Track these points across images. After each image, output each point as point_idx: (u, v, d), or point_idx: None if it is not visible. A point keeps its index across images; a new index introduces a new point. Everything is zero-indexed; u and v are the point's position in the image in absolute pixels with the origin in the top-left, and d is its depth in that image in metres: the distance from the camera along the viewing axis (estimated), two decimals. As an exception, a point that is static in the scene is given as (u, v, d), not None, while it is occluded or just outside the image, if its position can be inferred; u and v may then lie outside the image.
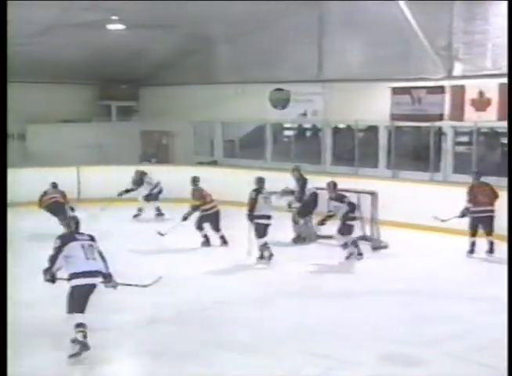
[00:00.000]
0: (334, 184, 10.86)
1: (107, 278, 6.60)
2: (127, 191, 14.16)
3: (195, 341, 7.07)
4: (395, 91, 13.84)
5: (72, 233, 6.78)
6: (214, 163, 17.50)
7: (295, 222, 12.05)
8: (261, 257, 10.50)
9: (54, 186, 13.31)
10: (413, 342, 6.98)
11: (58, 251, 6.48)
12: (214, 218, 11.55)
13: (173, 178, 14.48)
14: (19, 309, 7.18)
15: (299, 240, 11.89)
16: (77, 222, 6.97)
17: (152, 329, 7.50)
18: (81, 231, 6.92)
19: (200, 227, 11.55)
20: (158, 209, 14.32)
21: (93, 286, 6.50)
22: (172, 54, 17.07)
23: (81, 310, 6.39)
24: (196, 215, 11.65)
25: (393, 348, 6.86)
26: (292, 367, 6.43)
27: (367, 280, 9.52)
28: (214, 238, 11.62)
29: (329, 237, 11.15)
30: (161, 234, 11.55)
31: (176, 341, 7.08)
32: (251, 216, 10.35)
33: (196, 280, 9.48)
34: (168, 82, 17.73)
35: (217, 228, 11.55)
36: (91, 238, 6.79)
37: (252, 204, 10.34)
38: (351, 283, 9.44)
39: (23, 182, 13.94)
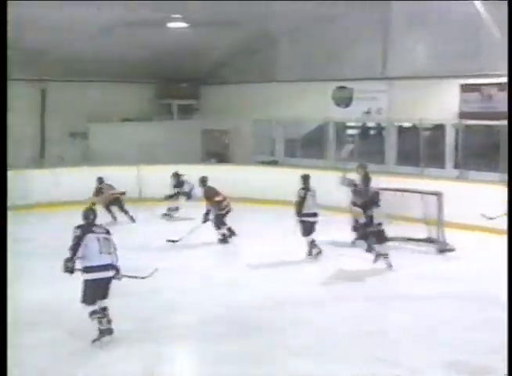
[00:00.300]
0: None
1: (117, 271, 6.75)
2: (170, 197, 14.04)
3: (257, 344, 6.90)
4: (464, 88, 13.39)
5: (90, 224, 6.83)
6: (274, 162, 17.26)
7: (355, 224, 11.67)
8: (310, 254, 10.49)
9: (101, 181, 13.58)
10: (480, 350, 6.65)
11: (78, 240, 6.59)
12: (220, 217, 11.63)
13: (232, 177, 14.32)
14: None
15: (358, 242, 11.50)
16: (95, 215, 6.98)
17: (211, 330, 7.34)
18: (98, 223, 6.97)
19: (218, 226, 11.59)
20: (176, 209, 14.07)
21: (108, 279, 6.68)
22: (233, 52, 16.96)
23: (93, 302, 6.62)
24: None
25: (459, 356, 6.55)
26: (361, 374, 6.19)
27: (432, 283, 9.13)
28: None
29: (393, 239, 10.75)
30: (173, 241, 11.38)
31: (235, 343, 6.92)
32: (299, 214, 10.40)
33: (251, 280, 9.35)
34: (229, 80, 17.61)
35: (218, 226, 11.61)
36: (107, 231, 6.89)
37: (301, 202, 10.39)
38: (415, 286, 9.05)
39: (85, 180, 14.01)
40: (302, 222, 10.43)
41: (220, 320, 7.61)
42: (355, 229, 11.58)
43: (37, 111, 17.02)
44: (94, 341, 6.65)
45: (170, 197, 14.06)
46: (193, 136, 18.21)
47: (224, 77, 17.81)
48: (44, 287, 8.68)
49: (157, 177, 15.03)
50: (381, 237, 9.92)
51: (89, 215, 6.91)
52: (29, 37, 13.86)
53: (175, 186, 14.05)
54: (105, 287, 6.69)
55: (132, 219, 13.58)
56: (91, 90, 16.85)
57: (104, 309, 6.69)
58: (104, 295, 6.69)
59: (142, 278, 7.17)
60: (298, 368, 6.30)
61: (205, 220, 11.56)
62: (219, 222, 11.58)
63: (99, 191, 13.63)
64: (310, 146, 17.39)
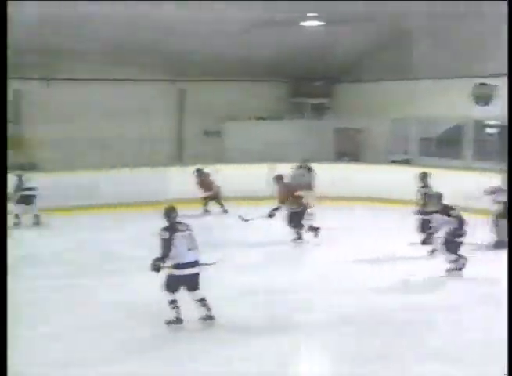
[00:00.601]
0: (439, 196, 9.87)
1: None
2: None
3: (387, 345, 6.77)
4: None
5: (174, 224, 7.03)
6: (406, 162, 16.83)
7: (496, 225, 11.18)
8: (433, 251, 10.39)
9: (201, 173, 14.15)
10: None
11: (169, 241, 6.85)
12: (302, 215, 11.48)
13: (364, 177, 14.11)
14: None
15: (500, 244, 10.97)
16: (176, 213, 7.13)
17: (337, 330, 7.28)
18: (180, 221, 7.14)
19: (295, 224, 11.46)
20: None
21: (196, 274, 7.03)
22: (367, 50, 16.68)
23: (174, 291, 7.02)
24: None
25: None
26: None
27: None
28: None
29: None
30: (245, 220, 11.44)
31: (364, 344, 6.81)
32: (420, 212, 10.84)
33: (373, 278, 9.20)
34: (363, 79, 17.35)
35: (297, 225, 11.44)
36: (188, 227, 7.08)
37: (423, 201, 10.76)
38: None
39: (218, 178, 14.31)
40: (423, 220, 10.78)
41: (348, 319, 7.54)
42: (497, 232, 11.10)
43: (176, 111, 17.61)
44: (168, 323, 7.07)
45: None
46: (325, 135, 18.11)
47: (358, 75, 17.56)
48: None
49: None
50: None
51: (171, 213, 7.10)
52: (170, 39, 14.35)
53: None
54: (194, 281, 7.03)
55: (225, 211, 14.00)
56: (227, 89, 17.20)
57: (202, 300, 7.08)
58: (194, 287, 7.04)
59: (211, 264, 7.30)
60: (435, 370, 6.14)
61: (271, 215, 11.46)
62: (295, 220, 11.44)
63: (204, 183, 14.07)
64: (446, 145, 16.81)
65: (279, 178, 11.94)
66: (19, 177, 12.92)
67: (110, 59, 15.33)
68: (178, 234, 6.92)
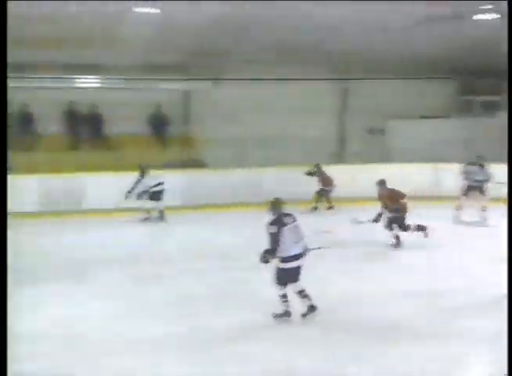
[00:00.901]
0: None
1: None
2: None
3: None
4: None
5: (280, 217, 7.15)
6: None
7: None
8: None
9: (319, 168, 14.71)
10: None
11: (277, 235, 7.01)
12: (403, 220, 11.02)
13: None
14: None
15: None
16: (281, 207, 7.24)
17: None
18: (288, 213, 7.25)
19: (401, 228, 11.03)
20: None
21: (299, 266, 7.20)
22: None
23: (285, 285, 7.22)
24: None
25: None
26: None
27: None
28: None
29: None
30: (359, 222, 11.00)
31: None
32: None
33: None
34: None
35: (404, 228, 11.06)
36: (294, 218, 7.22)
37: None
38: None
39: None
40: None
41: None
42: None
43: (339, 110, 17.58)
44: (276, 316, 7.26)
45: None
46: (496, 134, 17.19)
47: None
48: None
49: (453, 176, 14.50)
50: None
51: (277, 207, 7.22)
52: (333, 38, 14.32)
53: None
54: (297, 272, 7.22)
55: (331, 207, 14.49)
56: (391, 88, 16.89)
57: (302, 291, 7.25)
58: (295, 280, 7.22)
59: (318, 248, 7.55)
60: None
61: (376, 220, 11.00)
62: (397, 225, 11.00)
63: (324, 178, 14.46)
64: None
65: (382, 183, 11.48)
66: (143, 174, 13.34)
67: (274, 59, 15.56)
68: (285, 228, 7.08)
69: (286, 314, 7.29)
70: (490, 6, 13.07)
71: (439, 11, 12.96)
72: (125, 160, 14.87)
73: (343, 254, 10.22)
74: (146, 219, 13.52)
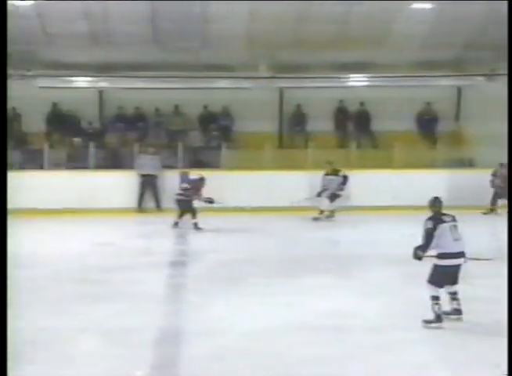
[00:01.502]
0: None
1: (464, 256, 6.91)
2: None
3: None
4: None
5: (438, 214, 6.95)
6: None
7: None
8: None
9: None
10: None
11: (432, 231, 6.78)
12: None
13: None
14: None
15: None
16: (441, 203, 7.04)
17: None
18: (446, 212, 7.02)
19: None
20: None
21: (459, 266, 6.85)
22: None
23: (441, 286, 6.85)
24: None
25: None
26: None
27: None
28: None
29: None
30: None
31: None
32: None
33: None
34: None
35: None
36: (454, 219, 6.93)
37: None
38: None
39: None
40: None
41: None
42: None
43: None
44: (427, 322, 6.80)
45: None
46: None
47: None
48: None
49: None
50: None
51: (436, 203, 7.03)
52: None
53: None
54: (455, 273, 6.89)
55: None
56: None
57: (454, 293, 6.94)
58: (454, 281, 6.92)
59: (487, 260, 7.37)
60: None
61: None
62: None
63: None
64: None
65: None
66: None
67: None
68: (444, 225, 6.86)
69: (438, 319, 6.80)
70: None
71: None
72: (393, 157, 14.95)
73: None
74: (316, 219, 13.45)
